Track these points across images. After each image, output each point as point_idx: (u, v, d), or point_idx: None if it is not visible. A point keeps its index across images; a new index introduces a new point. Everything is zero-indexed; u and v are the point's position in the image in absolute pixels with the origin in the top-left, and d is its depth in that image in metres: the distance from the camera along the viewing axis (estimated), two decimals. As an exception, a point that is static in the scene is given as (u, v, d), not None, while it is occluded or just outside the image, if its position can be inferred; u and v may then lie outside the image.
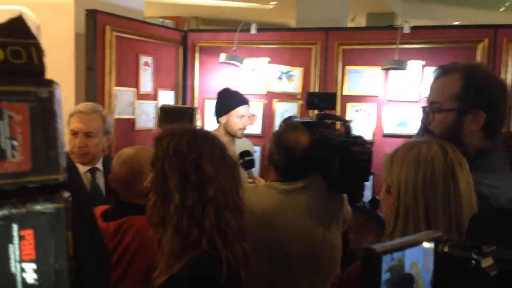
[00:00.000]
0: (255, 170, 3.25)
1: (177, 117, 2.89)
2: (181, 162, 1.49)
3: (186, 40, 4.01)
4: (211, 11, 14.96)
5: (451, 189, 1.27)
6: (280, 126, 2.60)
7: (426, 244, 0.72)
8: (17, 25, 0.64)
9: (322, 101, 2.65)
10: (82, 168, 2.49)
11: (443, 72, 1.66)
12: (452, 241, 0.75)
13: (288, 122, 2.60)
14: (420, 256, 0.71)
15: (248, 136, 3.70)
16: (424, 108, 1.70)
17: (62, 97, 2.35)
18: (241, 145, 3.42)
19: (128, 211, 1.94)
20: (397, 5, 13.66)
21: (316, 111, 2.58)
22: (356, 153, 2.14)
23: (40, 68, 0.64)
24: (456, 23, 16.01)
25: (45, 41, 2.76)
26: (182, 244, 1.47)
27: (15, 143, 0.55)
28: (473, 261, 0.70)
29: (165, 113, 2.97)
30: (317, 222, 2.16)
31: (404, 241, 0.70)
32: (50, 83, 0.61)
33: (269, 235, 2.13)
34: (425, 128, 1.70)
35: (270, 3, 13.78)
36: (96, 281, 1.00)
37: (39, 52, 0.63)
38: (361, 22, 14.19)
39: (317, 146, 2.33)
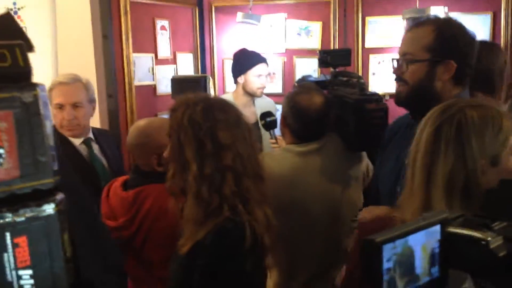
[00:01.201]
0: (278, 131, 3.24)
1: (190, 87, 2.85)
2: (196, 132, 1.49)
3: (201, 0, 3.95)
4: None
5: None
6: (294, 86, 2.56)
7: (431, 228, 0.70)
8: (2, 26, 0.62)
9: (336, 59, 2.59)
10: (76, 141, 2.41)
11: (416, 24, 1.68)
12: (460, 220, 0.73)
13: (301, 82, 2.56)
14: (425, 238, 0.69)
15: (269, 95, 3.67)
16: (396, 60, 1.72)
17: (83, 67, 2.35)
18: (263, 105, 3.40)
19: (145, 180, 1.96)
20: None
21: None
22: (371, 111, 2.11)
23: (25, 70, 0.62)
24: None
25: (61, 10, 2.76)
26: (204, 212, 1.49)
27: (1, 151, 0.55)
28: (482, 242, 0.69)
29: (176, 83, 2.94)
30: (335, 181, 2.15)
31: (406, 227, 0.68)
32: (34, 86, 0.60)
33: (288, 198, 2.13)
34: (398, 78, 1.73)
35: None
36: (104, 282, 1.00)
37: (24, 53, 0.62)
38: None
39: (332, 105, 2.30)
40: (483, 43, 2.93)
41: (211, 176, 1.48)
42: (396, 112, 3.42)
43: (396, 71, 1.71)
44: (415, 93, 1.68)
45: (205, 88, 2.86)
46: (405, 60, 1.67)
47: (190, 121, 1.49)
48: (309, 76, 2.68)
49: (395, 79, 1.74)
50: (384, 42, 3.58)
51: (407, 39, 1.70)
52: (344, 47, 3.57)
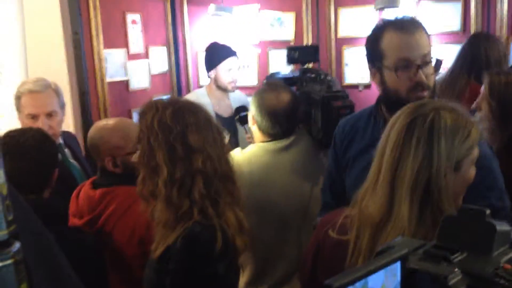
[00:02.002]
0: (252, 125, 3.25)
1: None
2: (166, 136, 1.48)
3: (173, -8, 3.90)
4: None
5: None
6: (262, 84, 2.56)
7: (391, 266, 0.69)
8: None
9: (304, 55, 2.61)
10: None
11: (416, 27, 1.63)
12: (420, 252, 0.73)
13: (269, 80, 2.57)
14: (385, 277, 0.67)
15: (244, 87, 3.66)
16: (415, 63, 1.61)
17: (55, 65, 2.29)
18: (237, 98, 3.40)
19: (112, 179, 1.96)
20: None
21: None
22: (337, 108, 2.13)
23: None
24: None
25: (31, 6, 2.70)
26: (175, 216, 1.49)
27: None
28: (441, 278, 0.69)
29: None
30: (304, 178, 2.18)
31: (365, 268, 0.65)
32: None
33: (258, 196, 2.16)
34: (428, 87, 1.62)
35: None
36: None
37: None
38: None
39: (300, 102, 2.32)
40: (479, 34, 2.99)
41: (182, 180, 1.48)
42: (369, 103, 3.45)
43: (433, 72, 1.65)
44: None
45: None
46: (426, 61, 1.61)
47: (160, 125, 1.49)
48: (278, 73, 2.70)
49: (419, 88, 1.61)
50: (357, 32, 3.58)
51: (420, 40, 1.62)
52: (312, 43, 3.57)
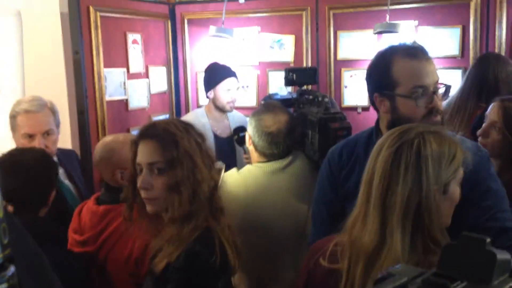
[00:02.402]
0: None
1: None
2: (199, 153, 1.57)
3: (174, 13, 3.93)
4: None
5: None
6: (260, 105, 2.57)
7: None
8: None
9: (302, 77, 2.63)
10: None
11: (426, 54, 1.64)
12: (418, 282, 0.72)
13: (266, 101, 2.58)
14: None
15: (243, 108, 3.67)
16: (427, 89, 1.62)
17: (54, 83, 2.32)
18: (236, 118, 3.40)
19: (116, 196, 1.97)
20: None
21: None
22: (335, 129, 2.13)
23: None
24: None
25: (31, 24, 2.74)
26: (178, 233, 1.52)
27: None
28: None
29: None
30: (301, 199, 2.18)
31: None
32: None
33: (254, 216, 2.16)
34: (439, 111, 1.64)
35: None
36: None
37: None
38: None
39: (297, 123, 2.32)
40: (488, 54, 2.99)
41: (189, 199, 1.52)
42: (368, 125, 3.44)
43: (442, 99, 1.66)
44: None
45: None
46: (439, 88, 1.64)
47: (196, 144, 1.58)
48: (276, 94, 2.71)
49: (436, 113, 1.63)
50: (356, 55, 3.61)
51: (431, 68, 1.64)
52: (311, 66, 3.59)
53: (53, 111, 2.36)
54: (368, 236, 1.19)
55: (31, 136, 2.26)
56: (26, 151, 2.00)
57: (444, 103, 2.84)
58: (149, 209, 1.57)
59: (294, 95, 2.70)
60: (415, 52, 1.62)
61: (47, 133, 2.30)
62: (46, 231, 1.88)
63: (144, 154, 1.55)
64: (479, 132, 2.16)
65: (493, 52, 3.16)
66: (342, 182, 1.79)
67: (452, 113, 2.78)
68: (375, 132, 1.78)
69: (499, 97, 2.18)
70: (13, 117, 2.30)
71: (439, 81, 1.63)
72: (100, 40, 3.18)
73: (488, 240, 0.78)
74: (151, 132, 1.57)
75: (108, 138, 2.14)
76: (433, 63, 1.65)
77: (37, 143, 2.24)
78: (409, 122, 1.58)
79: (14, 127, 2.31)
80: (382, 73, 1.65)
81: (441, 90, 1.65)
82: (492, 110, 2.13)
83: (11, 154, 1.95)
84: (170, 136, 1.54)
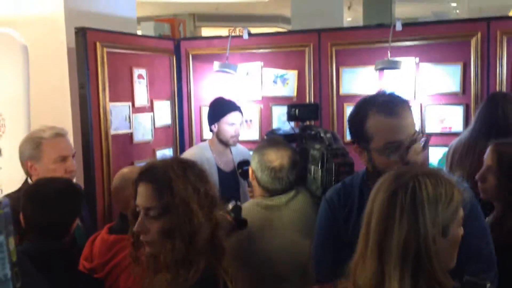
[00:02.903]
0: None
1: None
2: (196, 197, 1.52)
3: (179, 48, 4.00)
4: (205, 8, 14.91)
5: None
6: (263, 139, 2.60)
7: None
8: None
9: (304, 113, 2.67)
10: None
11: (402, 107, 1.69)
12: None
13: (269, 136, 2.61)
14: None
15: (246, 142, 3.70)
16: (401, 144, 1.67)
17: (59, 116, 2.37)
18: (240, 152, 3.43)
19: (126, 226, 1.99)
20: (392, -11, 13.57)
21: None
22: (337, 165, 2.15)
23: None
24: (453, 4, 15.90)
25: (38, 58, 2.82)
26: (175, 279, 1.49)
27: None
28: None
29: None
30: (304, 234, 2.18)
31: None
32: None
33: (255, 252, 2.16)
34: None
35: (265, -5, 13.73)
36: None
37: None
38: (358, 9, 14.13)
39: (300, 159, 2.35)
40: (497, 94, 3.02)
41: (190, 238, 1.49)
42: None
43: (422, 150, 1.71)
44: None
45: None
46: (415, 140, 1.68)
47: (193, 188, 1.52)
48: (278, 129, 2.74)
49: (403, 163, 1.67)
50: (358, 90, 3.65)
51: (407, 122, 1.69)
52: (313, 102, 3.63)
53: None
54: (368, 280, 1.19)
55: (64, 159, 2.37)
56: (52, 182, 2.08)
57: (454, 142, 2.87)
58: (147, 251, 1.56)
59: (297, 130, 2.73)
60: (390, 108, 1.67)
61: (73, 155, 2.43)
62: (69, 259, 1.98)
63: (142, 197, 1.55)
64: (477, 176, 2.15)
65: (501, 92, 3.20)
66: (342, 224, 1.80)
67: (462, 154, 2.79)
68: (365, 174, 1.80)
69: (495, 141, 2.19)
70: (37, 145, 2.37)
71: (423, 132, 1.68)
72: (106, 75, 3.24)
73: (489, 284, 0.79)
74: (149, 174, 1.55)
75: (126, 169, 2.21)
76: (409, 115, 1.69)
77: (71, 164, 2.38)
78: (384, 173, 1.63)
79: (38, 156, 2.37)
80: (358, 126, 1.73)
81: (422, 140, 1.68)
82: (487, 154, 2.14)
83: (38, 185, 2.04)
84: (166, 181, 1.51)
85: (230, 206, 2.02)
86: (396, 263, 1.16)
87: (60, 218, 1.97)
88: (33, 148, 2.38)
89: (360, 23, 14.16)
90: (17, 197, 2.30)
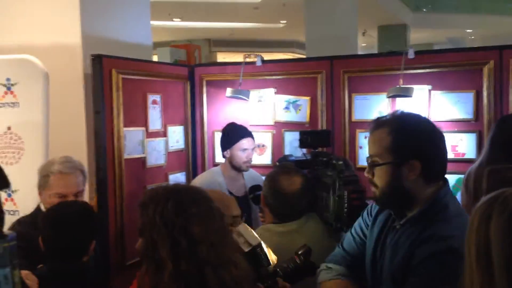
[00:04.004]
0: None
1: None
2: (170, 230, 1.47)
3: (193, 74, 4.06)
4: (221, 33, 15.11)
5: None
6: (275, 166, 2.61)
7: None
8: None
9: (316, 140, 2.69)
10: None
11: (375, 126, 1.71)
12: None
13: (282, 163, 2.63)
14: None
15: (258, 166, 3.72)
16: (367, 161, 1.75)
17: (74, 140, 2.43)
18: (252, 177, 3.44)
19: None
20: (407, 16, 13.67)
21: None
22: (349, 192, 2.16)
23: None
24: (468, 31, 15.93)
25: (55, 85, 2.90)
26: None
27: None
28: None
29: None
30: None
31: None
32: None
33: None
34: (369, 181, 1.74)
35: (280, 22, 13.89)
36: None
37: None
38: (373, 35, 14.22)
39: (311, 185, 2.35)
40: (505, 117, 3.04)
41: (188, 273, 1.45)
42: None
43: (367, 174, 1.74)
44: (386, 195, 1.70)
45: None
46: (371, 163, 1.71)
47: (162, 219, 1.48)
48: (290, 155, 2.76)
49: (369, 182, 1.76)
50: (370, 116, 3.65)
51: (370, 141, 1.73)
52: (325, 129, 3.65)
53: (83, 172, 2.52)
54: None
55: (62, 196, 2.39)
56: (70, 205, 2.20)
57: (473, 168, 2.86)
58: None
59: (309, 157, 2.74)
60: (372, 125, 1.74)
61: (76, 195, 2.44)
62: (88, 276, 2.08)
63: None
64: None
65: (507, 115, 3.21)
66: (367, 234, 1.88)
67: (490, 178, 2.77)
68: None
69: (491, 166, 2.20)
70: (45, 176, 2.44)
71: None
72: (121, 101, 3.29)
73: None
74: (143, 196, 1.58)
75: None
76: (376, 135, 1.68)
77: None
78: None
79: (44, 186, 2.44)
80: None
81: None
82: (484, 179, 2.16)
83: (56, 209, 2.15)
84: (142, 205, 1.53)
85: (301, 249, 1.95)
86: None
87: (80, 240, 2.07)
88: (42, 177, 2.46)
89: (375, 48, 14.25)
90: (30, 222, 2.35)
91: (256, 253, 1.78)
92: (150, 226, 1.49)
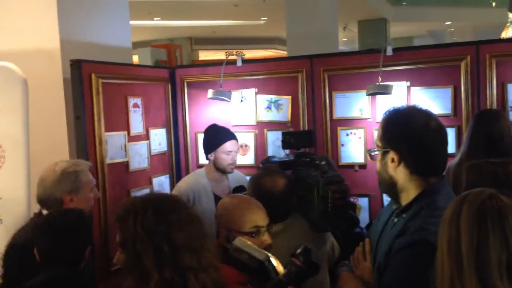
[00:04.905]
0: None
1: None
2: (152, 239, 1.48)
3: (174, 76, 4.05)
4: (202, 31, 15.07)
5: None
6: (258, 168, 2.62)
7: None
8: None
9: (299, 140, 2.71)
10: None
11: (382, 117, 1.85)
12: None
13: (265, 165, 2.64)
14: None
15: (241, 167, 3.73)
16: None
17: (56, 146, 2.43)
18: (236, 178, 3.45)
19: None
20: (387, 10, 13.76)
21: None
22: (332, 192, 2.19)
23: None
24: (447, 23, 16.09)
25: (35, 90, 2.87)
26: None
27: None
28: None
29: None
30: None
31: None
32: None
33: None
34: None
35: (261, 18, 13.90)
36: None
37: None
38: (353, 29, 14.30)
39: (295, 186, 2.37)
40: (483, 111, 3.10)
41: (172, 280, 1.46)
42: (365, 183, 3.49)
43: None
44: (380, 182, 1.83)
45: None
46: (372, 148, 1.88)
47: (144, 229, 1.48)
48: (273, 157, 2.78)
49: None
50: (351, 114, 3.69)
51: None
52: (307, 129, 3.68)
53: None
54: None
55: (93, 188, 2.59)
56: (64, 213, 2.20)
57: (452, 163, 2.92)
58: None
59: (292, 157, 2.76)
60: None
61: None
62: (85, 280, 2.12)
63: None
64: None
65: (490, 109, 3.25)
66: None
67: (469, 172, 2.83)
68: None
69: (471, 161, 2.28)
70: (76, 177, 2.48)
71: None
72: (101, 105, 3.28)
73: None
74: (119, 210, 1.57)
75: (226, 199, 2.21)
76: (379, 124, 1.82)
77: (97, 191, 2.64)
78: None
79: (78, 186, 2.48)
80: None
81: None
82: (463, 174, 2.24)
83: (50, 218, 2.17)
84: (120, 219, 1.54)
85: (299, 249, 1.92)
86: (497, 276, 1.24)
87: (76, 247, 2.10)
88: (73, 181, 2.47)
89: (356, 42, 14.33)
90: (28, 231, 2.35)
91: (265, 267, 1.76)
92: (132, 238, 1.49)
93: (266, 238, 2.04)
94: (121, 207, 1.56)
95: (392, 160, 1.73)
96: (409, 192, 1.74)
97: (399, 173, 1.74)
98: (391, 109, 1.82)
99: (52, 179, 2.45)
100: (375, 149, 1.83)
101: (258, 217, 2.06)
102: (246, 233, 1.98)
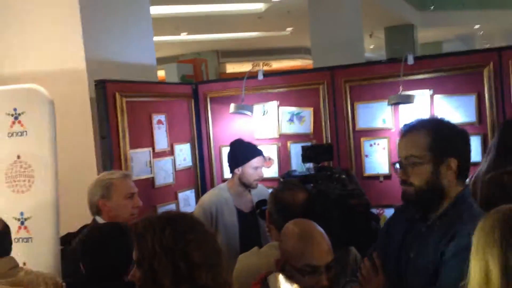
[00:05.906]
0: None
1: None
2: (170, 258, 1.50)
3: (197, 92, 4.11)
4: (228, 44, 15.18)
5: None
6: (279, 182, 2.63)
7: None
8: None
9: (319, 154, 2.71)
10: None
11: (410, 129, 1.86)
12: None
13: (285, 179, 2.65)
14: None
15: (264, 180, 3.74)
16: (399, 163, 1.85)
17: (85, 164, 2.50)
18: (258, 192, 3.46)
19: None
20: (414, 16, 13.62)
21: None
22: (353, 205, 2.20)
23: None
24: (476, 26, 15.80)
25: (63, 111, 2.95)
26: None
27: None
28: None
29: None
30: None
31: None
32: None
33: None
34: (403, 182, 1.85)
35: (286, 29, 13.94)
36: None
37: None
38: (380, 36, 14.18)
39: (316, 200, 2.38)
40: (507, 121, 3.04)
41: None
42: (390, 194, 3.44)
43: (402, 175, 1.84)
44: (423, 193, 1.81)
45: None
46: (409, 163, 1.81)
47: (162, 248, 1.51)
48: (294, 171, 2.78)
49: (401, 183, 1.86)
50: (374, 124, 3.67)
51: (406, 143, 1.85)
52: (327, 143, 3.67)
53: None
54: None
55: (131, 196, 2.71)
56: (102, 228, 2.29)
57: (478, 172, 2.88)
58: None
59: (312, 171, 2.76)
60: (404, 129, 1.88)
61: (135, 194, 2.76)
62: None
63: None
64: None
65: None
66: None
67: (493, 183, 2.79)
68: None
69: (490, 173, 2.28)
70: (108, 185, 2.67)
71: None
72: (126, 124, 3.35)
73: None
74: (135, 228, 1.60)
75: (290, 224, 2.10)
76: (415, 136, 1.81)
77: (137, 200, 2.74)
78: None
79: (109, 194, 2.66)
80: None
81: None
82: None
83: (90, 234, 2.23)
84: (138, 236, 1.56)
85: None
86: None
87: (119, 260, 2.11)
88: (104, 189, 2.67)
89: (383, 49, 14.21)
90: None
91: None
92: (150, 256, 1.51)
93: (322, 279, 1.88)
94: (137, 225, 1.59)
95: (449, 169, 1.76)
96: (451, 197, 1.79)
97: (452, 180, 1.78)
98: (421, 123, 1.86)
99: (90, 186, 2.73)
100: (419, 161, 1.78)
101: (315, 254, 1.89)
102: (297, 270, 1.88)
